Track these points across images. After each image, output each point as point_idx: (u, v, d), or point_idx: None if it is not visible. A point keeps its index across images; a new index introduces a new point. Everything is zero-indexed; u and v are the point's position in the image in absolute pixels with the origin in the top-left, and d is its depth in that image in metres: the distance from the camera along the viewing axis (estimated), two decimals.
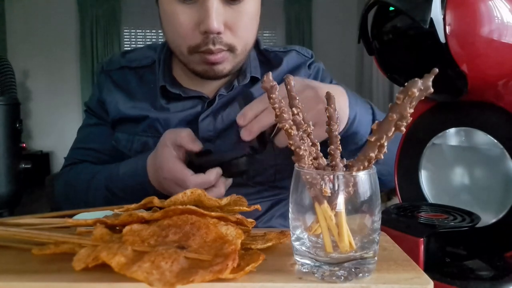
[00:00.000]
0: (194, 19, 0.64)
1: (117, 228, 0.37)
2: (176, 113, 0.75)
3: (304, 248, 0.33)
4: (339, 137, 0.35)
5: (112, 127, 0.80)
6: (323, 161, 0.34)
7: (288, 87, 0.36)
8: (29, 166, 0.60)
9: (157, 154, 0.62)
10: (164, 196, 0.50)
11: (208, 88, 0.77)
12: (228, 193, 0.59)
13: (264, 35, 4.88)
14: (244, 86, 0.76)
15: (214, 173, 0.58)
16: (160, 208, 0.36)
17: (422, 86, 0.29)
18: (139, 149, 0.75)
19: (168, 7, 0.66)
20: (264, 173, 0.74)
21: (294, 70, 0.81)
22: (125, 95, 0.78)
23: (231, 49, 0.68)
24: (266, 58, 0.82)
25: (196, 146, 0.60)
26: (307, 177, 0.32)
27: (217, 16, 0.62)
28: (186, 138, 0.60)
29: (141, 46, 0.89)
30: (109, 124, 0.80)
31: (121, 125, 0.78)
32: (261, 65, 0.80)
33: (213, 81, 0.76)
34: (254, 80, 0.77)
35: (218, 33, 0.64)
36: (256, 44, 0.81)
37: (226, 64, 0.69)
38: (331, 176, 0.31)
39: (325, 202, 0.31)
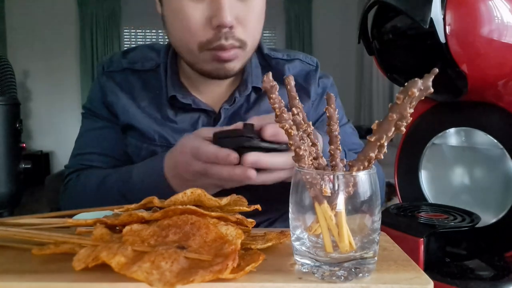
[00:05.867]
0: (205, 13, 0.63)
1: (117, 228, 0.37)
2: (184, 126, 0.73)
3: (304, 248, 0.33)
4: (339, 137, 0.35)
5: (122, 130, 0.77)
6: (323, 161, 0.34)
7: (288, 87, 0.36)
8: (29, 166, 0.60)
9: (175, 150, 0.59)
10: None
11: (210, 99, 0.75)
12: None
13: (264, 35, 4.88)
14: (247, 96, 0.74)
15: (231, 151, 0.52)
16: (160, 208, 0.36)
17: (422, 86, 0.29)
18: (147, 156, 0.72)
19: (176, 4, 0.65)
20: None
21: (301, 81, 0.79)
22: (131, 100, 0.76)
23: (242, 45, 0.66)
24: (268, 64, 0.80)
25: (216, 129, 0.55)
26: (307, 177, 0.32)
27: (230, 10, 0.62)
28: (206, 131, 0.55)
29: (141, 44, 0.86)
30: (119, 127, 0.77)
31: (130, 131, 0.76)
32: (264, 73, 0.76)
33: (214, 92, 0.74)
34: (256, 90, 0.75)
35: (231, 27, 0.63)
36: (259, 48, 0.79)
37: (237, 62, 0.68)
38: (331, 176, 0.31)
39: (325, 202, 0.31)
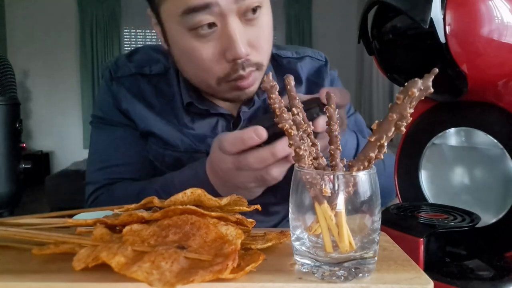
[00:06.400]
0: (217, 49, 0.61)
1: (117, 228, 0.37)
2: (203, 131, 0.72)
3: (304, 248, 0.33)
4: (339, 137, 0.35)
5: (142, 136, 0.74)
6: (323, 161, 0.34)
7: (288, 87, 0.36)
8: (29, 166, 0.60)
9: (212, 159, 0.56)
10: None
11: (225, 103, 0.74)
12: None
13: None
14: (264, 99, 0.74)
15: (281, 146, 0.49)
16: (160, 208, 0.36)
17: (422, 86, 0.29)
18: (171, 163, 0.71)
19: (186, 44, 0.62)
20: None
21: (314, 77, 0.79)
22: (146, 107, 0.73)
23: (259, 67, 0.65)
24: (279, 64, 0.79)
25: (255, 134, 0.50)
26: (307, 177, 0.32)
27: (242, 39, 0.59)
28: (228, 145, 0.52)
29: (141, 46, 0.82)
30: (138, 132, 0.74)
31: (151, 137, 0.73)
32: (277, 74, 0.76)
33: None
34: None
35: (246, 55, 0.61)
36: None
37: (256, 83, 0.67)
38: (331, 176, 0.31)
39: (325, 202, 0.31)
